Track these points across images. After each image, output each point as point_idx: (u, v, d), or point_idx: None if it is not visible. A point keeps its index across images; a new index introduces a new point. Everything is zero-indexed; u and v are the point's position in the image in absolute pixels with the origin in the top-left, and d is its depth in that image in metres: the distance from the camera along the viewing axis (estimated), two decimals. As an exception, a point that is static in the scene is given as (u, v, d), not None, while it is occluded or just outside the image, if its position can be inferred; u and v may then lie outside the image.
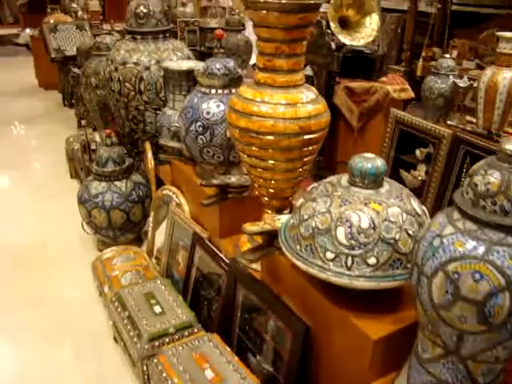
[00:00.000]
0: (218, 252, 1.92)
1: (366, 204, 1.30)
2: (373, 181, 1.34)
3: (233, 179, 1.94)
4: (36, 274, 2.54)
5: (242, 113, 1.55)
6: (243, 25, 5.31)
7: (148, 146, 2.53)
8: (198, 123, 1.92)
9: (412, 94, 3.75)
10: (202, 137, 1.93)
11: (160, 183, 2.58)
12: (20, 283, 2.47)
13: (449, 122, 2.77)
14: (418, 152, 2.74)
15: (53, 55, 5.04)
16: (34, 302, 2.35)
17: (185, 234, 2.17)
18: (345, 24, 3.59)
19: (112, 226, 2.52)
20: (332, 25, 3.48)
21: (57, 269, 2.60)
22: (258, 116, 1.52)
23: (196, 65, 2.36)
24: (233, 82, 1.96)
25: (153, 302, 1.91)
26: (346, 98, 3.59)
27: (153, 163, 2.47)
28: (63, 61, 5.09)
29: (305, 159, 1.62)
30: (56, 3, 8.10)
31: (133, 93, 2.70)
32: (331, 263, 1.29)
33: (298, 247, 1.36)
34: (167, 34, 2.79)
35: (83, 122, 4.60)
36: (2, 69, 7.25)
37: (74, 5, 6.95)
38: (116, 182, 2.52)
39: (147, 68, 2.66)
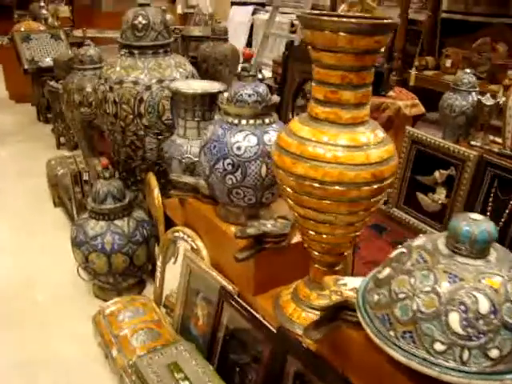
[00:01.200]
0: (254, 313, 1.61)
1: (480, 280, 1.02)
2: (482, 249, 1.06)
3: (269, 226, 1.63)
4: (23, 327, 2.18)
5: (300, 156, 1.25)
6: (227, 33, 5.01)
7: (153, 179, 2.20)
8: (227, 160, 1.60)
9: (423, 110, 3.51)
10: (231, 176, 1.62)
11: (166, 219, 2.25)
12: (4, 339, 2.10)
13: (472, 143, 2.52)
14: (437, 174, 2.50)
15: (26, 66, 4.64)
16: (24, 363, 1.99)
17: (204, 284, 1.86)
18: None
19: (113, 271, 2.19)
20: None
21: (47, 319, 2.26)
22: (322, 161, 1.22)
23: (212, 87, 2.04)
24: (265, 110, 1.64)
25: (179, 375, 1.58)
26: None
27: (160, 200, 2.13)
28: (37, 72, 4.68)
29: (371, 209, 1.32)
30: (24, 9, 7.66)
31: (131, 116, 2.36)
32: (441, 356, 1.01)
33: (391, 333, 1.07)
34: (168, 49, 2.45)
35: (62, 140, 4.21)
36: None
37: (44, 11, 6.54)
38: (116, 221, 2.19)
39: (148, 88, 2.33)
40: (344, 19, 1.17)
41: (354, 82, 1.22)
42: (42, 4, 6.96)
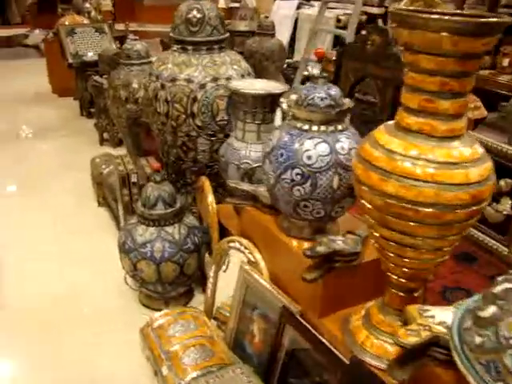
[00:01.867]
0: (320, 337, 1.47)
1: None
2: None
3: (339, 242, 1.49)
4: (68, 341, 2.09)
5: (390, 172, 1.10)
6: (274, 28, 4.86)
7: (207, 184, 2.08)
8: (296, 170, 1.47)
9: (485, 113, 3.29)
10: (299, 188, 1.48)
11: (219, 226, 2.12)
12: (49, 353, 2.02)
13: (544, 150, 2.32)
14: (502, 183, 2.32)
15: (70, 60, 4.59)
16: (66, 379, 1.91)
17: (262, 300, 1.73)
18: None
19: (162, 280, 2.08)
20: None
21: (92, 330, 2.16)
22: (416, 179, 1.07)
23: (273, 87, 1.90)
24: (339, 115, 1.50)
25: (237, 403, 1.45)
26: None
27: (215, 207, 2.01)
28: (81, 67, 4.63)
29: (462, 233, 1.17)
30: (67, 3, 7.66)
31: (183, 116, 2.24)
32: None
33: (500, 385, 0.91)
34: (223, 45, 2.33)
35: (105, 136, 4.14)
36: (12, 73, 6.80)
37: (87, 5, 6.52)
38: (167, 228, 2.07)
39: (202, 86, 2.21)
40: (448, 17, 1.01)
41: (455, 89, 1.07)
42: (86, -3, 6.92)
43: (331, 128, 1.49)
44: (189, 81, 2.22)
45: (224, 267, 2.04)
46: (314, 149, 1.46)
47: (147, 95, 2.35)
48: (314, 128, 1.49)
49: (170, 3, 10.44)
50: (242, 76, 2.32)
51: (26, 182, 3.52)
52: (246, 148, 1.92)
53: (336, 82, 3.51)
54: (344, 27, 6.59)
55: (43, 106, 5.30)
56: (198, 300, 2.30)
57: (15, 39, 9.25)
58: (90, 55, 4.68)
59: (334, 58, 3.97)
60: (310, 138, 1.48)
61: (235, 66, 2.32)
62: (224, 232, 2.06)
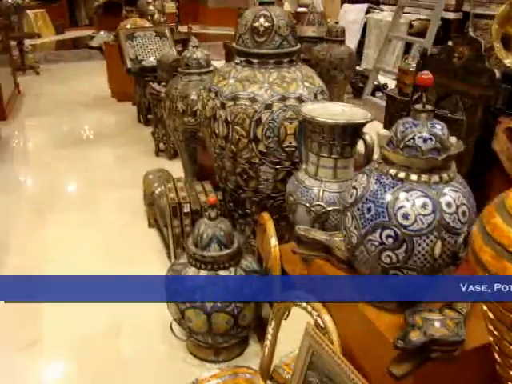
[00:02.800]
0: None
1: None
2: None
3: (437, 325, 1.13)
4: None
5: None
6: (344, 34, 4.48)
7: (270, 224, 1.74)
8: (387, 231, 1.11)
9: None
10: (390, 253, 1.13)
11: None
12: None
13: None
14: None
15: (129, 65, 4.36)
16: None
17: (331, 373, 1.38)
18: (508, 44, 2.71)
19: (213, 331, 1.77)
20: (496, 45, 2.59)
21: (133, 380, 1.86)
22: None
23: (354, 114, 1.55)
24: (445, 161, 1.13)
25: None
26: (509, 143, 2.66)
27: (278, 252, 1.68)
28: (140, 72, 4.39)
29: None
30: (132, 5, 7.53)
31: (245, 140, 1.92)
32: None
33: None
34: (294, 57, 1.99)
35: (161, 146, 3.88)
36: (75, 75, 6.70)
37: (151, 7, 6.32)
38: (221, 272, 1.76)
39: (268, 106, 1.88)
40: None
41: None
42: (150, 0, 6.75)
43: (435, 178, 1.12)
44: (253, 100, 1.89)
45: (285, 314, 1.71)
46: (413, 205, 1.10)
47: (205, 113, 2.04)
48: (413, 177, 1.13)
49: (235, 6, 10.23)
50: (315, 95, 1.98)
51: (80, 194, 3.31)
52: (319, 187, 1.57)
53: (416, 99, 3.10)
54: (417, 33, 6.15)
55: (102, 110, 5.13)
56: (253, 350, 1.98)
57: (81, 41, 9.25)
58: (150, 60, 4.44)
59: (410, 69, 3.57)
60: (407, 190, 1.12)
61: (307, 84, 1.97)
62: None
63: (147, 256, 2.57)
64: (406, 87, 3.66)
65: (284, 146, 1.93)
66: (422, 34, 6.03)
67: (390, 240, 1.12)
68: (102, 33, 8.44)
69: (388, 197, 1.13)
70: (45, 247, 2.68)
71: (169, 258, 2.51)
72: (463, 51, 2.87)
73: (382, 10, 6.90)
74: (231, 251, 1.76)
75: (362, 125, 1.52)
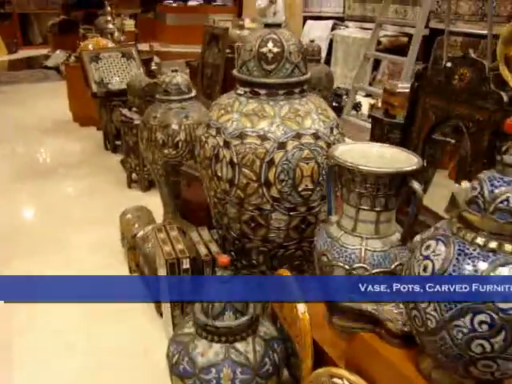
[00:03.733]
0: None
1: None
2: None
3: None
4: None
5: None
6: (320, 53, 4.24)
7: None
8: (481, 316, 0.84)
9: None
10: (483, 342, 0.85)
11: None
12: None
13: None
14: None
15: (94, 90, 3.99)
16: None
17: None
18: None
19: (229, 418, 1.43)
20: (500, 66, 2.39)
21: None
22: None
23: (404, 160, 1.26)
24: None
25: None
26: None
27: (308, 323, 1.36)
28: (107, 96, 4.02)
29: None
30: (89, 23, 7.13)
31: (255, 184, 1.60)
32: None
33: None
34: (305, 87, 1.69)
35: (134, 176, 3.52)
36: (32, 97, 6.24)
37: (111, 25, 5.95)
38: (238, 345, 1.43)
39: (281, 145, 1.57)
40: None
41: None
42: (109, 18, 6.38)
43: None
44: (263, 138, 1.58)
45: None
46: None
47: (204, 153, 1.72)
48: (508, 247, 0.85)
49: (193, 23, 9.90)
50: (331, 130, 1.68)
51: (45, 234, 2.89)
52: (360, 245, 1.28)
53: (411, 122, 2.86)
54: (385, 50, 5.98)
55: (64, 136, 4.70)
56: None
57: (36, 60, 8.75)
58: (116, 83, 4.07)
59: (398, 90, 3.34)
60: (502, 265, 0.84)
61: (322, 117, 1.68)
62: (317, 353, 1.41)
63: (132, 312, 2.20)
64: (393, 109, 3.42)
65: (299, 189, 1.62)
66: (390, 50, 5.87)
67: (485, 327, 0.84)
68: (58, 52, 7.99)
69: (479, 273, 0.85)
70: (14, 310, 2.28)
71: (158, 312, 2.17)
72: (465, 73, 2.64)
73: (347, 27, 6.73)
74: (248, 318, 1.44)
75: (411, 173, 1.23)
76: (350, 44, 6.31)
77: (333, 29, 6.83)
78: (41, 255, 2.66)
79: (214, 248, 1.81)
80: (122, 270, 2.52)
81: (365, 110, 4.97)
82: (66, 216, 3.09)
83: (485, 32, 4.29)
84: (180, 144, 2.58)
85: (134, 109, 3.48)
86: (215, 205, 1.79)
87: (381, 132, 3.44)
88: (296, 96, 1.67)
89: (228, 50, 5.18)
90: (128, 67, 4.22)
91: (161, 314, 2.13)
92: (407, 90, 3.42)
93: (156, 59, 7.42)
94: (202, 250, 1.78)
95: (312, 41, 4.29)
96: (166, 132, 2.57)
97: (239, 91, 1.69)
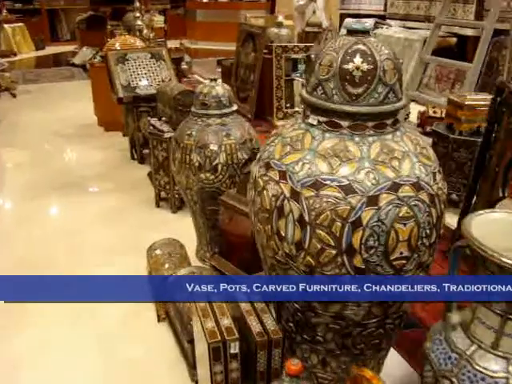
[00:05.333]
0: None
1: None
2: None
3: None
4: None
5: None
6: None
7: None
8: None
9: None
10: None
11: None
12: None
13: None
14: None
15: (121, 94, 3.56)
16: None
17: None
18: None
19: None
20: None
21: None
22: None
23: None
24: None
25: None
26: None
27: None
28: (134, 101, 3.60)
29: None
30: (117, 19, 6.75)
31: (333, 251, 1.15)
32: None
33: None
34: (397, 117, 1.23)
35: (163, 194, 3.09)
36: (57, 97, 5.89)
37: (139, 22, 5.53)
38: None
39: (372, 200, 1.11)
40: None
41: None
42: (138, 14, 5.97)
43: None
44: (348, 190, 1.13)
45: None
46: None
47: (261, 201, 1.27)
48: None
49: (224, 19, 9.45)
50: (434, 176, 1.22)
51: (61, 268, 2.48)
52: (505, 372, 0.82)
53: (486, 146, 2.37)
54: (434, 52, 5.45)
55: (88, 142, 4.30)
56: None
57: (63, 57, 8.41)
58: (145, 87, 3.64)
59: (466, 102, 2.85)
60: None
61: (422, 158, 1.21)
62: None
63: (162, 369, 1.78)
64: (459, 124, 2.94)
65: (392, 258, 1.17)
66: (438, 52, 5.35)
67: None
68: (84, 49, 7.62)
69: None
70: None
71: (192, 378, 1.74)
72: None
73: (390, 26, 6.21)
74: None
75: None
76: (393, 44, 5.80)
77: (374, 27, 6.31)
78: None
79: (270, 322, 1.36)
80: (149, 316, 2.08)
81: (413, 117, 4.46)
82: (83, 242, 2.67)
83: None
84: (219, 168, 2.16)
85: (164, 118, 3.05)
86: (272, 267, 1.34)
87: (445, 150, 2.96)
88: (388, 129, 1.21)
89: (265, 50, 4.73)
90: (158, 69, 3.79)
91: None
92: (476, 103, 2.94)
93: (186, 58, 7.02)
94: (255, 326, 1.33)
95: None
96: (203, 153, 2.14)
97: (311, 120, 1.23)
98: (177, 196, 2.94)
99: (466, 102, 2.85)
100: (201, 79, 6.79)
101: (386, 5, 6.55)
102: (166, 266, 2.05)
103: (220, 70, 6.69)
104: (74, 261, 2.52)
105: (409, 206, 1.14)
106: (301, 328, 1.41)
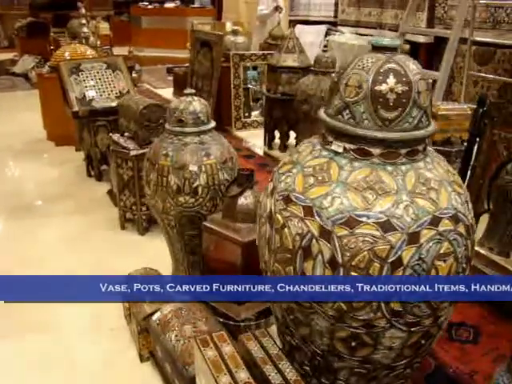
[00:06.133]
0: None
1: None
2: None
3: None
4: None
5: None
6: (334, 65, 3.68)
7: None
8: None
9: None
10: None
11: None
12: None
13: None
14: None
15: (76, 108, 3.33)
16: None
17: None
18: None
19: None
20: None
21: None
22: None
23: None
24: None
25: None
26: None
27: None
28: (89, 115, 3.36)
29: None
30: (61, 26, 6.42)
31: (368, 296, 1.02)
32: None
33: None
34: (427, 141, 1.12)
35: (128, 214, 2.88)
36: (-1, 110, 5.49)
37: (86, 29, 5.29)
38: None
39: (413, 237, 0.99)
40: None
41: None
42: (84, 21, 5.69)
43: None
44: (386, 227, 1.00)
45: None
46: None
47: (281, 240, 1.12)
48: None
49: (170, 26, 9.23)
50: (467, 204, 1.12)
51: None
52: None
53: (469, 159, 2.33)
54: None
55: (39, 159, 4.00)
56: None
57: (1, 66, 7.94)
58: (101, 100, 3.42)
59: (440, 112, 2.81)
60: None
61: (455, 186, 1.11)
62: None
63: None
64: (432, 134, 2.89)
65: (441, 309, 1.05)
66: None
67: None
68: (25, 57, 7.22)
69: None
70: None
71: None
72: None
73: (342, 33, 6.19)
74: None
75: None
76: (347, 51, 5.78)
77: (326, 34, 6.29)
78: (20, 337, 2.01)
79: (289, 370, 1.21)
80: (131, 357, 1.89)
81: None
82: (42, 273, 2.42)
83: (499, 41, 3.80)
84: (200, 190, 1.99)
85: (127, 134, 2.85)
86: (290, 310, 1.20)
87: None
88: (420, 156, 1.10)
89: (222, 59, 4.58)
90: (114, 80, 3.57)
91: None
92: (449, 113, 2.90)
93: (137, 66, 6.77)
94: (274, 377, 1.18)
95: (325, 50, 3.73)
96: (181, 175, 1.97)
97: (335, 147, 1.10)
98: (144, 217, 2.74)
99: (440, 112, 2.80)
100: (152, 88, 6.56)
101: (336, 11, 6.54)
102: (146, 306, 1.85)
103: (171, 78, 6.50)
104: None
105: (449, 240, 1.03)
106: (319, 372, 1.27)
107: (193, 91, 2.10)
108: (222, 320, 1.86)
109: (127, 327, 2.00)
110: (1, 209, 3.15)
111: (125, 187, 2.73)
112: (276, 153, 4.11)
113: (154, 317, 1.75)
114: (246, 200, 1.83)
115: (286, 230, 1.09)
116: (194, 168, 1.98)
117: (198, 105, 2.05)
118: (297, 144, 4.13)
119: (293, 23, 7.39)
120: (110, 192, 3.25)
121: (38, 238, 2.76)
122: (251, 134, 4.57)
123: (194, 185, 1.98)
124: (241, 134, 4.56)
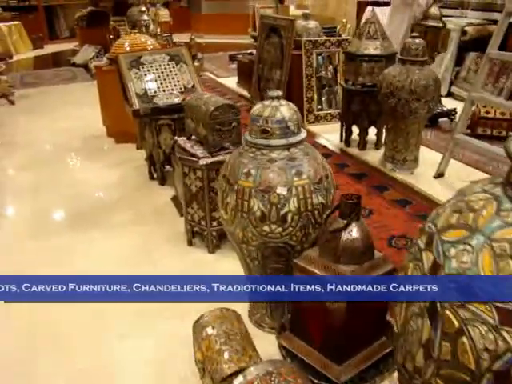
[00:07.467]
0: None
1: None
2: None
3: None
4: None
5: None
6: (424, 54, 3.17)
7: None
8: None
9: None
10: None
11: None
12: None
13: None
14: None
15: (137, 106, 3.00)
16: None
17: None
18: None
19: None
20: None
21: None
22: None
23: None
24: None
25: None
26: None
27: None
28: (152, 113, 3.03)
29: None
30: (121, 15, 6.16)
31: None
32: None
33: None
34: None
35: (196, 229, 2.53)
36: (59, 103, 5.32)
37: (146, 16, 4.96)
38: None
39: None
40: None
41: None
42: (144, 9, 5.38)
43: None
44: None
45: None
46: None
47: (451, 354, 0.72)
48: None
49: (229, 11, 8.82)
50: None
51: (78, 339, 1.94)
52: None
53: None
54: (473, 42, 4.90)
55: (98, 158, 3.73)
56: None
57: (63, 56, 7.81)
58: (165, 96, 3.08)
59: None
60: None
61: None
62: None
63: None
64: None
65: None
66: (477, 42, 4.81)
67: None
68: (86, 47, 7.04)
69: None
70: None
71: None
72: None
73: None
74: None
75: None
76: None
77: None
78: (72, 374, 1.70)
79: None
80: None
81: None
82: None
83: None
84: (289, 218, 1.60)
85: (194, 137, 2.50)
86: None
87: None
88: None
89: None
90: (178, 74, 3.23)
91: None
92: None
93: (199, 54, 6.44)
94: None
95: (413, 36, 3.23)
96: (266, 199, 1.58)
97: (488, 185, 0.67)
98: (214, 234, 2.39)
99: None
100: (214, 77, 6.21)
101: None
102: (226, 355, 1.50)
103: (235, 66, 6.13)
104: (98, 326, 1.97)
105: None
106: None
107: (280, 93, 1.70)
108: (317, 382, 1.49)
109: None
110: (61, 216, 2.89)
111: (193, 199, 2.38)
112: (354, 150, 3.67)
113: (237, 381, 1.38)
114: (350, 236, 1.44)
115: (464, 339, 0.68)
116: (282, 191, 1.59)
117: (286, 111, 1.66)
118: (377, 142, 3.66)
119: (362, 4, 6.89)
120: (174, 199, 2.93)
121: (94, 255, 2.46)
122: (324, 129, 4.14)
123: (283, 211, 1.59)
124: (313, 128, 4.13)
